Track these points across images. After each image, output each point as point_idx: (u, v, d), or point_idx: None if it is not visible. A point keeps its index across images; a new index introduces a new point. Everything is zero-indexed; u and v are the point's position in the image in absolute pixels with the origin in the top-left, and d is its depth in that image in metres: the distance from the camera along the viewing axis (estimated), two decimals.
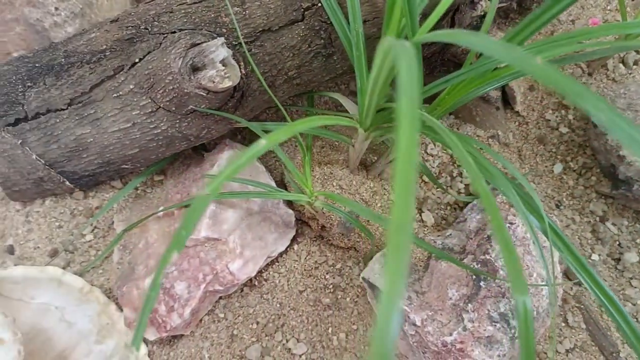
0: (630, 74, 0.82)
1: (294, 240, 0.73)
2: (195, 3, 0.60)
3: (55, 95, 0.65)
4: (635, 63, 0.82)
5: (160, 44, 0.59)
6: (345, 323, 0.68)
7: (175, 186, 0.74)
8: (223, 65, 0.56)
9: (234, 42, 0.60)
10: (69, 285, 0.69)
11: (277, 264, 0.73)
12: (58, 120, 0.66)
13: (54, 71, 0.65)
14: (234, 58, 0.58)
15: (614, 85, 0.80)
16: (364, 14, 0.60)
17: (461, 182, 0.78)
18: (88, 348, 0.67)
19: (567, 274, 0.71)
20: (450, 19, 0.64)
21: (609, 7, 0.85)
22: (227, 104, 0.61)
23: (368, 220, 0.69)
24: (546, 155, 0.80)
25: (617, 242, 0.73)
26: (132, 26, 0.62)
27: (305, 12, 0.60)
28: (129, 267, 0.70)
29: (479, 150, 0.56)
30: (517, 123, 0.82)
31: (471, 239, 0.64)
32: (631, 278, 0.71)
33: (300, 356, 0.67)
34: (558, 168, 0.78)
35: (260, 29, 0.60)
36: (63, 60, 0.64)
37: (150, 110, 0.62)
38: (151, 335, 0.65)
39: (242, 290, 0.71)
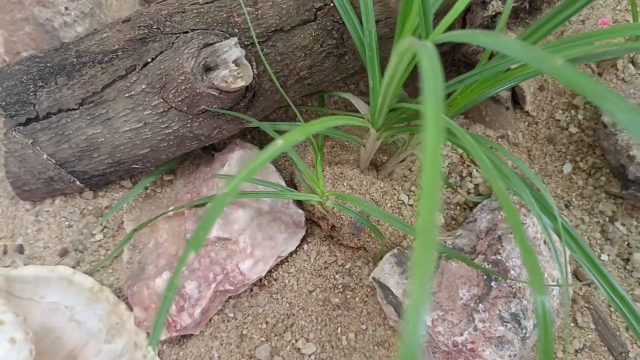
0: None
1: (303, 240, 0.73)
2: (207, 3, 0.60)
3: (66, 94, 0.65)
4: None
5: (173, 43, 0.59)
6: (355, 323, 0.68)
7: (185, 186, 0.74)
8: (236, 65, 0.56)
9: (246, 42, 0.60)
10: (79, 284, 0.69)
11: (286, 263, 0.73)
12: (69, 120, 0.66)
13: (66, 71, 0.65)
14: (246, 58, 0.58)
15: (623, 86, 0.80)
16: (377, 14, 0.60)
17: (470, 182, 0.78)
18: (98, 347, 0.67)
19: (576, 274, 0.71)
20: (462, 18, 0.64)
21: (618, 7, 0.85)
22: (239, 103, 0.61)
23: (378, 220, 0.69)
24: (556, 155, 0.80)
25: (626, 242, 0.73)
26: (144, 26, 0.62)
27: (318, 12, 0.60)
28: (138, 266, 0.70)
29: (492, 150, 0.56)
30: (526, 123, 0.82)
31: (481, 239, 0.64)
32: None
33: (309, 356, 0.67)
34: (567, 168, 0.78)
35: (273, 29, 0.60)
36: (75, 60, 0.64)
37: (162, 110, 0.62)
38: (161, 334, 0.65)
39: (251, 290, 0.71)
